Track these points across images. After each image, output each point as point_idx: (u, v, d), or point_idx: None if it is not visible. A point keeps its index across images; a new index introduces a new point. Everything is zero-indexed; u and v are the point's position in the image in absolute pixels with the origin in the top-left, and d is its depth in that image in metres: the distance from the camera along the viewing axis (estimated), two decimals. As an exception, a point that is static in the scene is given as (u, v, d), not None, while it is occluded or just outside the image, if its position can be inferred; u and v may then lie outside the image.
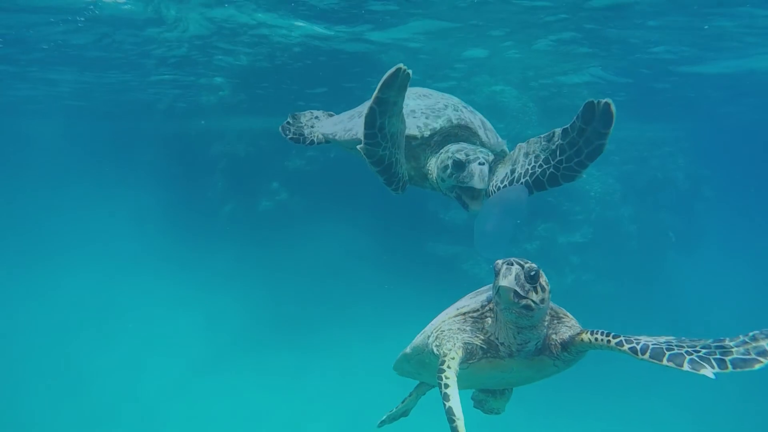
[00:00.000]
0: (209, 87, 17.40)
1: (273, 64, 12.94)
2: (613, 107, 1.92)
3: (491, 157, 2.42)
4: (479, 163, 2.29)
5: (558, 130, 2.19)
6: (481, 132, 2.66)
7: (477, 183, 2.29)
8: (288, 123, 3.89)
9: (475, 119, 2.72)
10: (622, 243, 17.25)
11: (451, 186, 2.45)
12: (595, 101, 1.93)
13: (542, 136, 2.32)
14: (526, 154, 2.37)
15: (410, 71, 1.89)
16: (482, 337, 2.22)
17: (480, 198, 2.37)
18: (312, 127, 3.70)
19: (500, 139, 2.88)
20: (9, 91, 17.85)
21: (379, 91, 1.88)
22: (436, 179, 2.58)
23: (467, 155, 2.33)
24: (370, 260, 19.47)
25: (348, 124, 2.93)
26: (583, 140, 2.08)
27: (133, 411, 15.43)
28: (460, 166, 2.34)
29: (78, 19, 8.68)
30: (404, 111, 2.52)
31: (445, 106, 2.68)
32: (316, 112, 4.09)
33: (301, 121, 3.90)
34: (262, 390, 16.99)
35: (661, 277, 19.42)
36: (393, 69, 1.83)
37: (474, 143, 2.61)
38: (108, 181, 33.77)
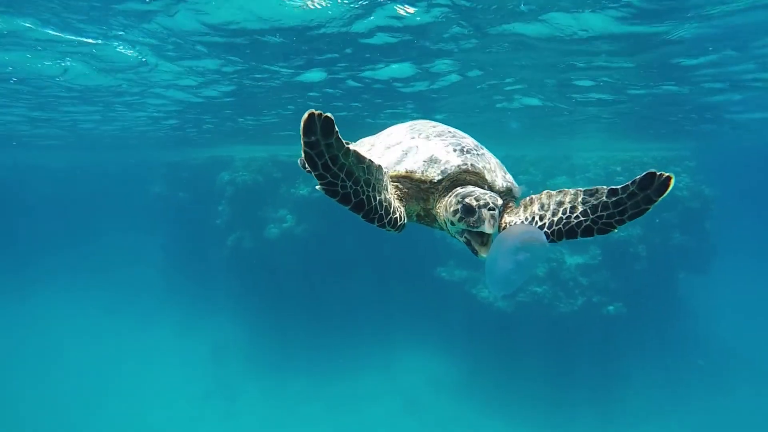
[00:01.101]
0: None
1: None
2: (673, 181, 2.07)
3: (500, 202, 2.40)
4: (489, 209, 2.29)
5: (604, 188, 2.27)
6: (489, 176, 2.69)
7: (487, 228, 2.28)
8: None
9: (483, 162, 2.74)
10: (632, 264, 17.07)
11: (460, 230, 2.44)
12: (657, 173, 2.07)
13: (582, 189, 2.39)
14: (560, 203, 2.46)
15: (329, 114, 1.90)
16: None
17: (489, 244, 2.36)
18: None
19: (508, 176, 2.90)
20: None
21: (303, 137, 1.93)
22: (444, 222, 2.59)
23: (477, 200, 2.34)
24: (377, 285, 19.38)
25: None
26: (632, 203, 2.19)
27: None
28: (469, 210, 2.34)
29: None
30: (412, 153, 2.73)
31: (455, 149, 2.71)
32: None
33: None
34: (268, 416, 16.78)
35: (672, 298, 19.13)
36: (306, 115, 1.87)
37: (482, 187, 2.66)
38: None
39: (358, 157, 2.16)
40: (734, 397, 17.58)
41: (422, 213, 2.80)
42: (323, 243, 19.17)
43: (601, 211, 2.29)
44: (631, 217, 2.20)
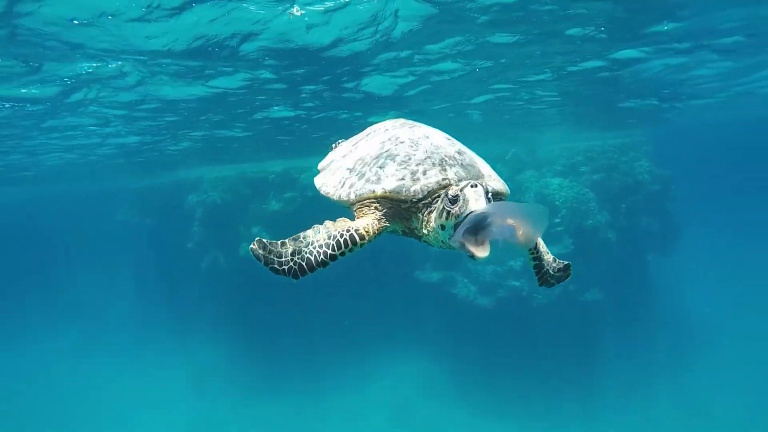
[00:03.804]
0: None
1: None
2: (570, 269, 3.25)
3: (486, 183, 2.36)
4: (470, 186, 2.14)
5: (558, 264, 3.34)
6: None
7: (474, 204, 2.09)
8: None
9: (466, 170, 2.57)
10: (604, 250, 17.57)
11: (451, 233, 2.21)
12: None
13: (552, 257, 3.27)
14: (547, 260, 3.18)
15: (264, 240, 2.51)
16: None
17: (486, 244, 2.10)
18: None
19: (495, 176, 2.82)
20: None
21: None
22: (435, 234, 2.39)
23: (456, 185, 2.30)
24: (358, 296, 19.30)
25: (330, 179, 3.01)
26: (563, 275, 3.28)
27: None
28: (453, 199, 2.17)
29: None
30: (388, 170, 2.59)
31: (433, 163, 2.55)
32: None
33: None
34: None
35: (643, 280, 19.77)
36: (252, 251, 2.47)
37: None
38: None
39: (281, 247, 2.52)
40: (706, 370, 18.28)
41: (407, 231, 2.67)
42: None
43: (553, 272, 3.18)
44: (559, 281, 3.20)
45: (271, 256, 2.47)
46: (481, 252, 2.08)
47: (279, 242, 2.52)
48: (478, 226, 2.10)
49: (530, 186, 18.67)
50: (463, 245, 2.14)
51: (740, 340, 19.96)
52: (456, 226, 2.18)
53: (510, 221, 2.07)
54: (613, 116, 18.57)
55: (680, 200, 21.94)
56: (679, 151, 31.43)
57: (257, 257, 2.48)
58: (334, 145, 3.81)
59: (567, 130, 20.74)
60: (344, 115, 13.80)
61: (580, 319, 16.77)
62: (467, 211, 2.11)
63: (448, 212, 2.20)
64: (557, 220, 17.19)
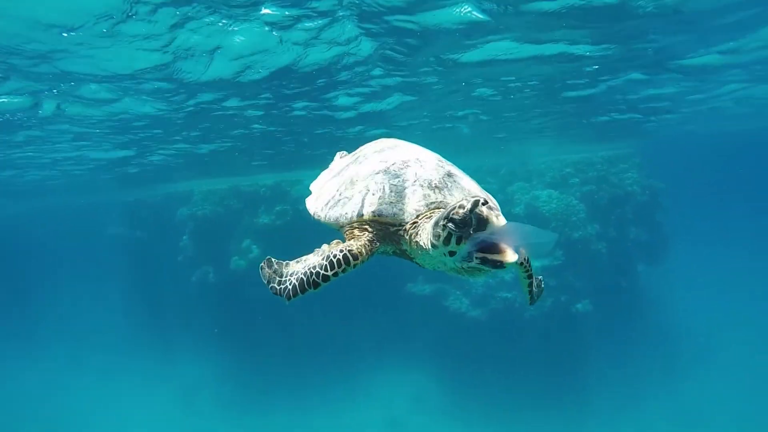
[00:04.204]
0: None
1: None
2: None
3: (491, 199, 2.15)
4: (483, 204, 1.95)
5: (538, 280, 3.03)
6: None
7: (497, 220, 1.92)
8: None
9: (454, 193, 2.52)
10: (594, 261, 17.67)
11: (465, 254, 2.02)
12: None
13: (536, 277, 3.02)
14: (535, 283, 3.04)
15: (273, 259, 2.61)
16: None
17: (510, 249, 1.93)
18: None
19: (485, 195, 2.61)
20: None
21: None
22: (433, 260, 2.28)
23: (462, 207, 1.97)
24: (349, 309, 19.19)
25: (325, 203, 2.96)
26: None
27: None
28: (463, 222, 1.96)
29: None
30: (375, 192, 2.57)
31: (422, 185, 2.51)
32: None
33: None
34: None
35: (634, 290, 19.86)
36: (261, 269, 2.58)
37: None
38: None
39: (280, 268, 2.59)
40: (697, 379, 18.33)
41: (398, 252, 2.66)
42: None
43: (537, 287, 2.98)
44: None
45: (275, 275, 2.52)
46: (511, 256, 1.90)
47: (285, 262, 2.59)
48: (492, 242, 1.95)
49: (520, 198, 18.79)
50: (485, 260, 1.96)
51: (731, 350, 20.07)
52: (469, 255, 1.99)
53: (520, 242, 1.95)
54: (592, 130, 18.79)
55: (669, 210, 22.21)
56: (667, 162, 31.88)
57: (263, 275, 2.54)
58: (333, 163, 3.80)
59: (553, 144, 20.95)
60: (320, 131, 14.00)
61: (571, 330, 16.79)
62: (488, 231, 1.93)
63: (459, 237, 1.99)
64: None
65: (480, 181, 2.99)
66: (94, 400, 19.92)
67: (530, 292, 2.96)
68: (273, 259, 2.57)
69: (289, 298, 2.45)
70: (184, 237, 20.97)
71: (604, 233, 18.44)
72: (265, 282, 2.51)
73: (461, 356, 17.43)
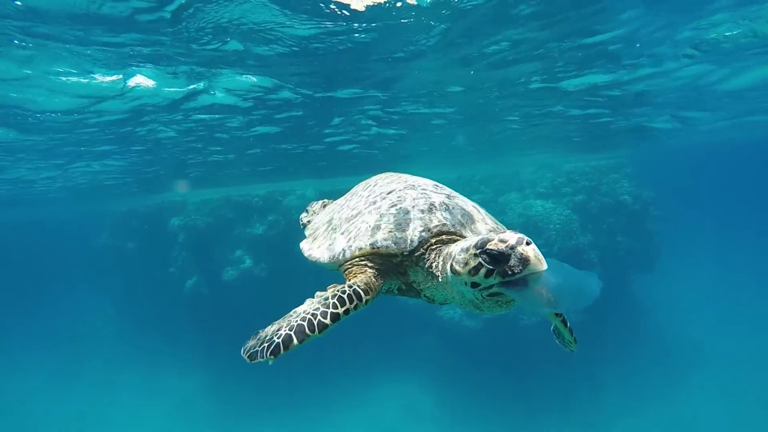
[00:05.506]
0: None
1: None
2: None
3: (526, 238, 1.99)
4: (526, 243, 1.81)
5: None
6: (467, 231, 2.36)
7: (538, 264, 1.78)
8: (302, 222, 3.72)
9: (457, 217, 2.42)
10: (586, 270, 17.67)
11: (486, 287, 1.90)
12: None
13: None
14: None
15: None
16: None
17: (537, 254, 1.81)
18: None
19: (491, 222, 2.60)
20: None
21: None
22: (452, 288, 2.14)
23: (502, 241, 1.82)
24: (341, 321, 19.00)
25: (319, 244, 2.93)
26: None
27: None
28: (500, 257, 1.81)
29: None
30: (373, 225, 2.48)
31: (422, 210, 2.43)
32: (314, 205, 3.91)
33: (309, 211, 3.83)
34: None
35: (627, 299, 19.92)
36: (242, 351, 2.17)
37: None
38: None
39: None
40: (691, 386, 18.33)
41: (403, 287, 2.56)
42: (284, 281, 18.75)
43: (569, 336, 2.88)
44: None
45: (258, 341, 2.17)
46: (540, 264, 1.79)
47: (265, 328, 2.29)
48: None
49: (513, 207, 18.87)
50: (508, 285, 1.85)
51: (724, 357, 20.11)
52: (504, 284, 1.85)
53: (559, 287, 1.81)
54: (595, 142, 18.95)
55: (660, 219, 22.38)
56: (658, 172, 32.20)
57: (245, 350, 2.22)
58: (308, 207, 3.81)
59: (550, 154, 21.12)
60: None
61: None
62: (527, 272, 1.79)
63: (489, 271, 1.85)
64: (540, 242, 17.35)
65: (476, 191, 2.99)
66: (85, 412, 19.53)
67: (569, 341, 2.70)
68: (259, 331, 2.29)
69: (276, 354, 2.10)
70: (176, 247, 20.78)
71: (597, 242, 18.53)
72: (247, 355, 2.15)
73: (455, 366, 17.34)
